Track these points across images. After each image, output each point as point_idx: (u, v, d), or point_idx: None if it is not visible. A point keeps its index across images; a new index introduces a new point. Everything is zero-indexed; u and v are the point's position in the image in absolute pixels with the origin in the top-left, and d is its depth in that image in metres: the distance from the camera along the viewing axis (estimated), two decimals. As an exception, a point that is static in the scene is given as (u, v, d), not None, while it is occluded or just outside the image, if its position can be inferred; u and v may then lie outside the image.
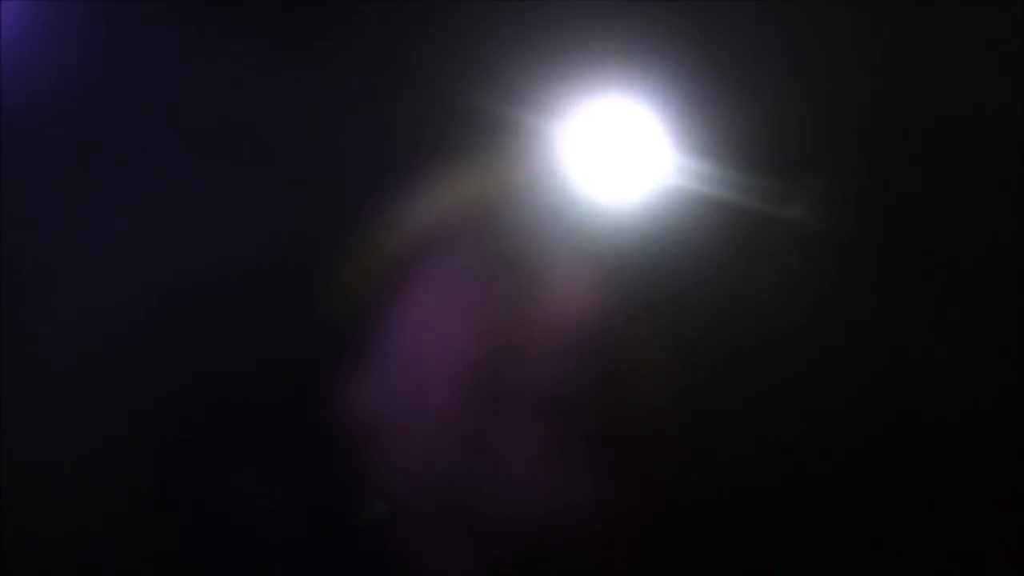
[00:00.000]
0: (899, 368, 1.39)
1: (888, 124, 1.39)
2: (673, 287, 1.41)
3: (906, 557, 1.40)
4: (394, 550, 1.44)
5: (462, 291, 1.44)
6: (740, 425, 1.40)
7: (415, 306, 1.45)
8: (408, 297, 1.45)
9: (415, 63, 1.42)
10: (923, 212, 1.39)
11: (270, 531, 1.45)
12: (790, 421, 1.40)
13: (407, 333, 1.45)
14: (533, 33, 1.40)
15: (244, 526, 1.45)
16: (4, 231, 1.47)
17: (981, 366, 1.37)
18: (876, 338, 1.39)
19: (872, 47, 1.39)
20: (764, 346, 1.40)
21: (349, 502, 1.45)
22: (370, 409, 1.45)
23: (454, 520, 1.43)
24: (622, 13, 1.39)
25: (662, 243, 1.42)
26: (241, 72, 1.45)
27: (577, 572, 1.43)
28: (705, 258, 1.41)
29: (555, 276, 1.43)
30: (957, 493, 1.39)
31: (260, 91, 1.45)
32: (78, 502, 1.45)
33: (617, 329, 1.42)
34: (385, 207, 1.44)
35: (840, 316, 1.40)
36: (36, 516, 1.45)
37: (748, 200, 1.40)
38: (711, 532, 1.41)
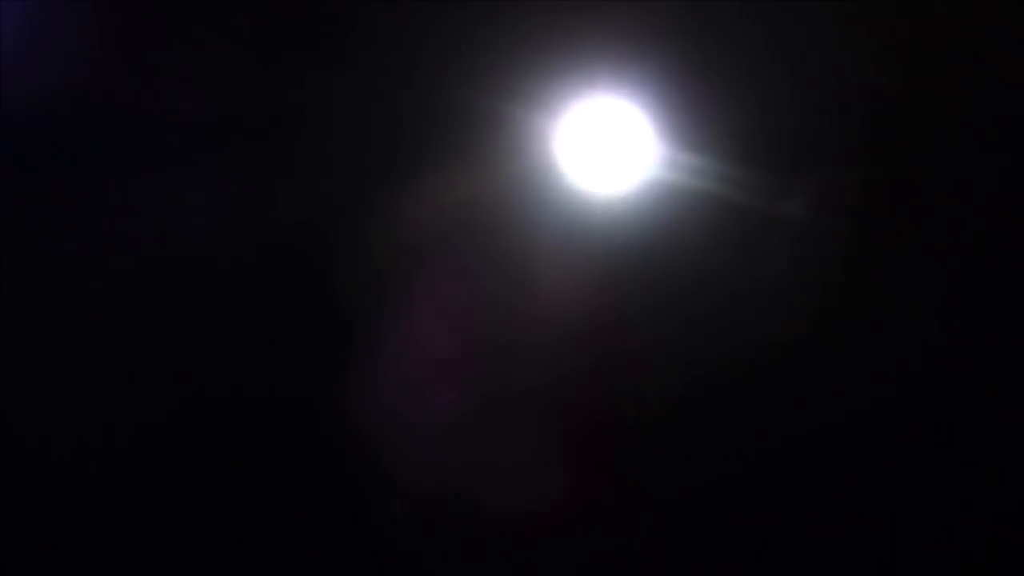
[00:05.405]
0: (898, 365, 1.39)
1: (884, 118, 1.38)
2: (668, 282, 1.41)
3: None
4: (401, 549, 1.45)
5: (458, 288, 1.44)
6: (735, 422, 1.41)
7: (414, 303, 1.45)
8: (406, 294, 1.45)
9: (411, 60, 1.42)
10: (920, 207, 1.39)
11: (279, 532, 1.46)
12: (786, 417, 1.40)
13: (408, 329, 1.46)
14: (527, 30, 1.40)
15: (252, 527, 1.46)
16: (4, 231, 1.48)
17: (980, 363, 1.37)
18: (874, 334, 1.39)
19: (868, 41, 1.38)
20: (760, 343, 1.41)
21: (357, 502, 1.46)
22: (372, 407, 1.45)
23: (458, 518, 1.44)
24: (616, 9, 1.39)
25: (657, 239, 1.42)
26: (240, 71, 1.45)
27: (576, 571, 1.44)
28: (700, 254, 1.41)
29: (549, 273, 1.43)
30: (957, 493, 1.40)
31: (258, 89, 1.45)
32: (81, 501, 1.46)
33: (611, 325, 1.42)
34: (381, 203, 1.44)
35: (837, 312, 1.40)
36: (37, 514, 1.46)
37: (744, 196, 1.40)
38: (706, 529, 1.42)
